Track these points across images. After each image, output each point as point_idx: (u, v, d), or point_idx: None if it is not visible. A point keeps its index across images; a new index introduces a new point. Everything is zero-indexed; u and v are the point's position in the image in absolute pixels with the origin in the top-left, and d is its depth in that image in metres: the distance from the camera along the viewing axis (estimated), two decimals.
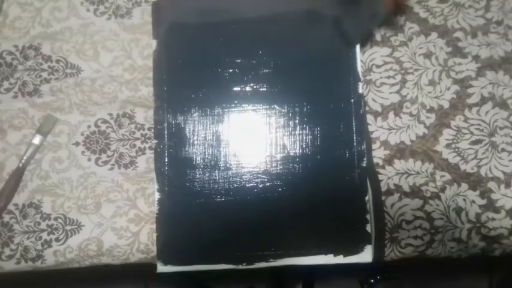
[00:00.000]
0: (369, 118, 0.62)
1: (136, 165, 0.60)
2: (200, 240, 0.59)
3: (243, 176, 0.60)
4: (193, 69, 0.62)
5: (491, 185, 0.60)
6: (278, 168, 0.60)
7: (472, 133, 0.61)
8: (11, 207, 0.59)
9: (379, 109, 0.62)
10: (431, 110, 0.62)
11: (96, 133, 0.61)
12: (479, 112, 0.61)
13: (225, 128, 0.61)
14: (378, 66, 0.63)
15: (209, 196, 0.59)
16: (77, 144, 0.61)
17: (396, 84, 0.62)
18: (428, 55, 0.63)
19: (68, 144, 0.61)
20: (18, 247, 0.58)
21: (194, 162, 0.60)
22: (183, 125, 0.60)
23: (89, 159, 0.60)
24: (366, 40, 0.63)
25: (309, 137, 0.60)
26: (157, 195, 0.59)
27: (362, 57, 0.62)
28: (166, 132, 0.60)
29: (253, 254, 0.59)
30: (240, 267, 0.58)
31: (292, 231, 0.59)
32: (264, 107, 0.61)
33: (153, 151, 0.60)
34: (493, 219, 0.59)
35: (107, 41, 0.63)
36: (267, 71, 0.61)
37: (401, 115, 0.62)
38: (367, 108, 0.62)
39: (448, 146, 0.61)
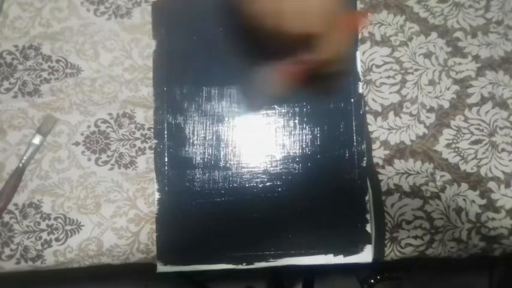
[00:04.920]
0: (369, 118, 0.62)
1: (136, 165, 0.60)
2: (200, 240, 0.59)
3: (243, 176, 0.60)
4: (193, 69, 0.62)
5: (491, 185, 0.60)
6: (278, 168, 0.60)
7: (472, 133, 0.61)
8: (11, 207, 0.59)
9: (379, 109, 0.62)
10: (431, 110, 0.62)
11: (96, 133, 0.61)
12: (479, 112, 0.61)
13: (225, 128, 0.61)
14: (378, 66, 0.63)
15: (209, 196, 0.59)
16: (76, 144, 0.61)
17: (396, 84, 0.62)
18: (428, 55, 0.63)
19: (68, 144, 0.61)
20: (18, 247, 0.58)
21: (194, 162, 0.60)
22: (183, 125, 0.60)
23: (89, 159, 0.60)
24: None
25: (309, 137, 0.60)
26: (157, 195, 0.59)
27: (362, 57, 0.62)
28: (166, 132, 0.60)
29: (253, 254, 0.59)
30: (240, 267, 0.58)
31: (292, 231, 0.59)
32: (263, 107, 0.61)
33: (153, 151, 0.60)
34: (493, 219, 0.59)
35: (107, 41, 0.63)
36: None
37: (402, 115, 0.62)
38: (367, 108, 0.62)
39: (448, 146, 0.61)
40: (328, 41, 0.44)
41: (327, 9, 0.43)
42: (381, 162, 0.61)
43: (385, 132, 0.61)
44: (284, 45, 0.45)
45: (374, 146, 0.61)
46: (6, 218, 0.59)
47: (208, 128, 0.61)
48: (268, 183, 0.60)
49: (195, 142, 0.60)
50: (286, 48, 0.46)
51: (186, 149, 0.60)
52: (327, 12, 0.43)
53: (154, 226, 0.59)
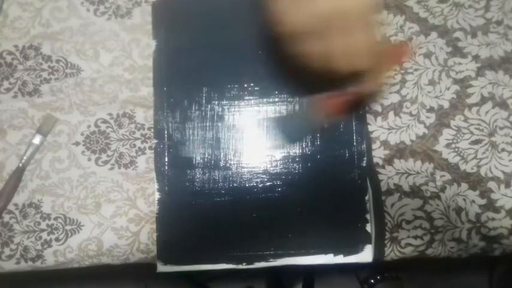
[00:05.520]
0: (369, 118, 0.62)
1: (136, 165, 0.60)
2: (200, 240, 0.59)
3: (243, 176, 0.60)
4: (193, 69, 0.62)
5: (491, 184, 0.60)
6: (278, 168, 0.60)
7: (472, 133, 0.61)
8: (11, 207, 0.59)
9: (379, 109, 0.62)
10: (431, 109, 0.62)
11: (96, 133, 0.61)
12: (479, 112, 0.61)
13: (225, 128, 0.61)
14: None
15: (209, 196, 0.59)
16: (77, 144, 0.61)
17: (396, 84, 0.62)
18: (428, 55, 0.63)
19: (68, 144, 0.61)
20: (18, 247, 0.58)
21: (194, 162, 0.60)
22: (183, 125, 0.60)
23: (89, 159, 0.60)
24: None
25: (309, 137, 0.60)
26: (157, 195, 0.59)
27: None
28: (166, 132, 0.60)
29: (253, 253, 0.59)
30: (240, 267, 0.58)
31: (292, 231, 0.59)
32: (264, 106, 0.61)
33: (153, 151, 0.60)
34: (493, 219, 0.59)
35: (107, 41, 0.63)
36: (267, 70, 0.61)
37: (401, 115, 0.62)
38: (367, 108, 0.62)
39: (448, 145, 0.61)
40: (375, 75, 0.47)
41: (374, 47, 0.44)
42: (380, 162, 0.61)
43: (385, 132, 0.61)
44: (332, 81, 0.47)
45: (374, 146, 0.61)
46: (6, 218, 0.59)
47: (208, 128, 0.61)
48: (268, 183, 0.60)
49: (195, 142, 0.60)
50: (333, 83, 0.49)
51: (186, 149, 0.60)
52: (374, 49, 0.44)
53: (154, 226, 0.59)
